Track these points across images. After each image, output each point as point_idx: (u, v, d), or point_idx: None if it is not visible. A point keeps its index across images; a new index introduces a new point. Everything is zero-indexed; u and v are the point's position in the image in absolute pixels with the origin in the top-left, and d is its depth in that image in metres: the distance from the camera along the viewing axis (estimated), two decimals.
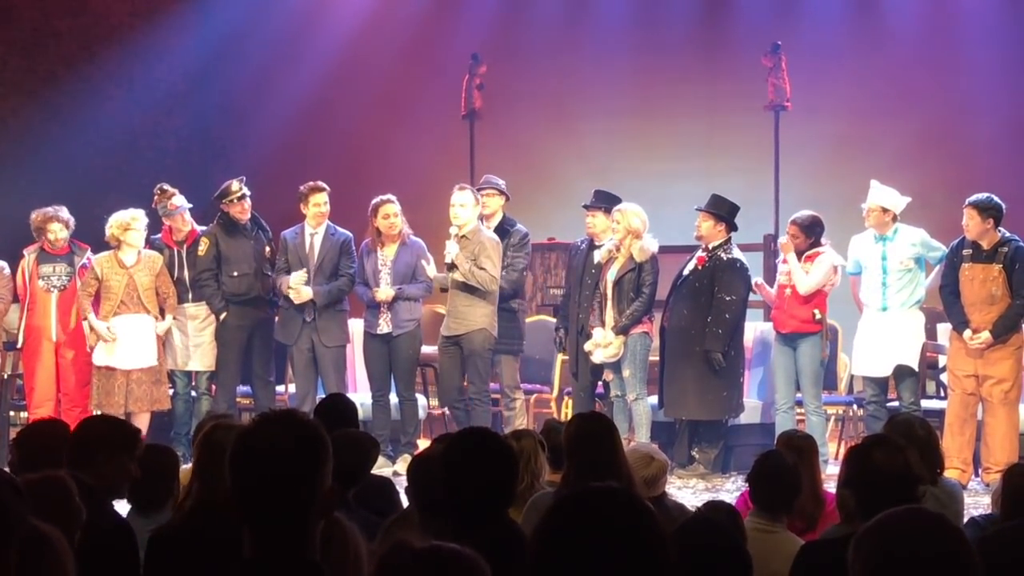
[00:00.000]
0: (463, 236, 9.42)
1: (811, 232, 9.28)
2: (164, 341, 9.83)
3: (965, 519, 5.32)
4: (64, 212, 9.82)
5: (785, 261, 9.37)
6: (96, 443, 4.29)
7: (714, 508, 4.65)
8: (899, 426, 5.41)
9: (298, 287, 9.62)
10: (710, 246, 9.39)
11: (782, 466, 4.79)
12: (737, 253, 9.43)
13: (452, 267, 9.38)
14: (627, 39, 13.48)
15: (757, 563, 3.45)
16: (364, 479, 4.76)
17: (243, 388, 10.22)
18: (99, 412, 9.81)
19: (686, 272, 9.47)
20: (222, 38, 13.42)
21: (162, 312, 9.86)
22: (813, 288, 9.19)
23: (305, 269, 9.71)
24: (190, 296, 9.98)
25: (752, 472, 4.83)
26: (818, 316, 9.23)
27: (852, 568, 2.33)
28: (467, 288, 9.40)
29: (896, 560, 2.28)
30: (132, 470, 4.34)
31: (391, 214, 9.56)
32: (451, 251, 9.38)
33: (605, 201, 9.67)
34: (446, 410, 10.87)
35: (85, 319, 9.71)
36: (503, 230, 9.82)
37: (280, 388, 10.43)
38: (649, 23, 13.58)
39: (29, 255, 9.86)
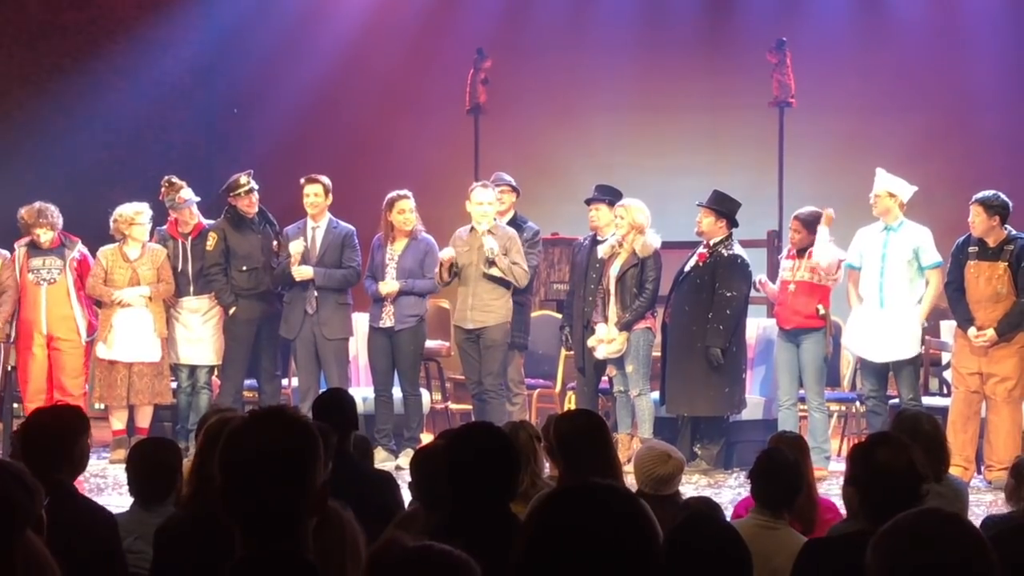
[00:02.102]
0: (488, 231, 9.41)
1: (812, 228, 9.26)
2: (167, 335, 9.83)
3: (975, 517, 5.31)
4: (50, 212, 9.73)
5: (792, 256, 9.34)
6: (70, 435, 4.36)
7: (698, 500, 4.64)
8: (905, 422, 5.39)
9: (297, 255, 9.58)
10: (711, 242, 9.38)
11: (784, 463, 4.78)
12: (738, 249, 9.41)
13: (490, 263, 9.35)
14: (632, 35, 13.46)
15: (759, 560, 3.44)
16: (352, 429, 4.76)
17: (248, 381, 10.19)
18: (101, 405, 9.83)
19: (687, 268, 9.46)
20: (227, 32, 13.42)
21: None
22: (832, 261, 9.12)
23: (303, 239, 9.69)
24: (192, 289, 9.96)
25: (754, 469, 4.81)
26: (821, 312, 9.21)
27: (869, 569, 2.32)
28: (492, 280, 9.39)
29: (914, 562, 2.27)
30: (89, 445, 4.50)
31: (406, 209, 9.53)
32: (492, 246, 9.32)
33: (607, 194, 9.68)
34: (449, 404, 10.89)
35: (110, 301, 9.68)
36: (515, 226, 9.81)
37: (284, 382, 10.42)
38: (654, 19, 13.56)
39: (19, 248, 9.85)
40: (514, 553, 2.15)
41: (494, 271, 9.36)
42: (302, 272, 9.61)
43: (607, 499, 2.15)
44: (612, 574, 2.07)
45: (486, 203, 9.42)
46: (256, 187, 9.94)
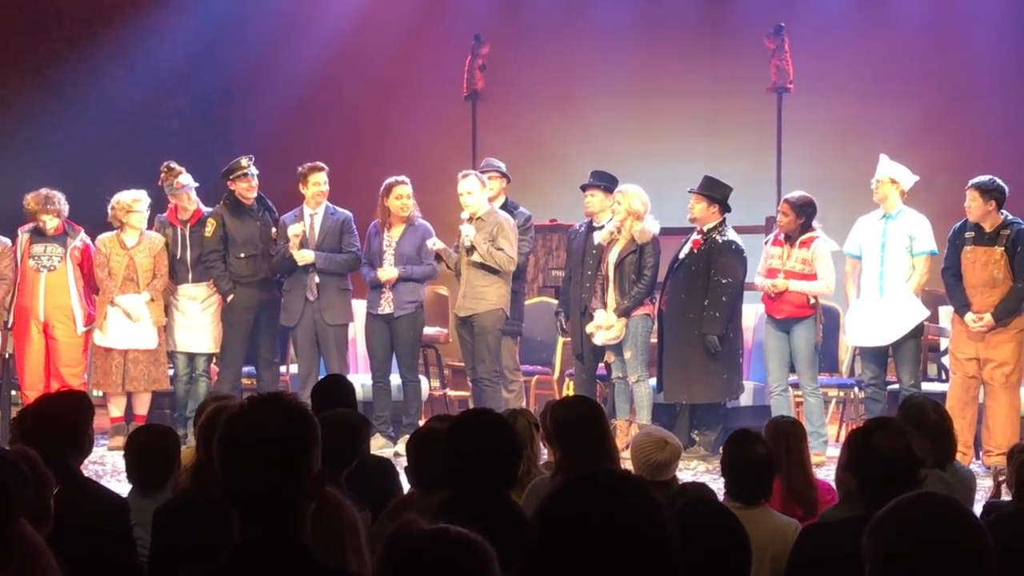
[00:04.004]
0: (478, 218, 9.41)
1: (802, 213, 9.22)
2: (164, 323, 9.81)
3: (974, 503, 5.29)
4: (56, 199, 9.69)
5: (780, 242, 9.33)
6: (80, 420, 4.38)
7: (693, 485, 4.62)
8: (911, 411, 5.34)
9: (295, 237, 9.56)
10: (705, 228, 9.36)
11: (756, 459, 4.63)
12: (732, 235, 9.38)
13: (470, 250, 9.36)
14: (630, 20, 13.45)
15: None
16: (356, 459, 4.72)
17: (247, 369, 10.17)
18: (99, 392, 9.82)
19: (682, 255, 9.44)
20: (224, 18, 13.40)
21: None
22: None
23: (302, 222, 9.68)
24: (190, 276, 9.93)
25: (723, 463, 4.72)
26: (812, 299, 9.21)
27: (866, 554, 2.32)
28: (483, 267, 9.39)
29: (910, 546, 2.27)
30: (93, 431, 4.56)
31: (404, 195, 9.52)
32: (468, 233, 9.35)
33: (602, 180, 9.67)
34: (448, 390, 10.90)
35: (111, 301, 9.66)
36: (507, 212, 9.79)
37: (283, 369, 10.42)
38: (652, 4, 13.56)
39: (23, 234, 9.82)
40: (525, 544, 2.14)
41: (476, 257, 9.37)
42: (304, 256, 9.59)
43: (620, 488, 2.14)
44: (627, 564, 2.07)
45: (465, 193, 9.43)
46: (256, 172, 9.90)
